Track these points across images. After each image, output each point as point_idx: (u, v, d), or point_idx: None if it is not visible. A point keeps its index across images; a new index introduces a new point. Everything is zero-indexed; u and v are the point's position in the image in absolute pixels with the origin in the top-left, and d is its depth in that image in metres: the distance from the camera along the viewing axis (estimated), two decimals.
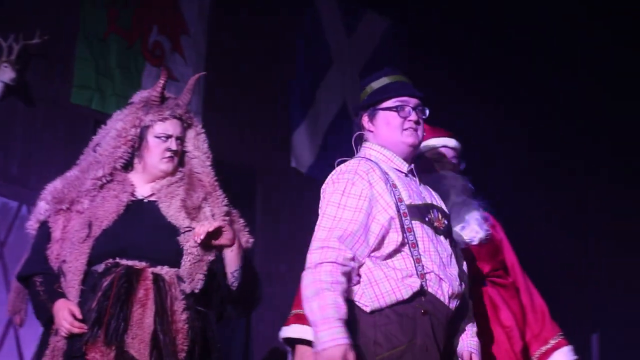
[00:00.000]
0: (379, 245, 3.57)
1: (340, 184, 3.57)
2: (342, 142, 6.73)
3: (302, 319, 3.97)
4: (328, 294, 3.44)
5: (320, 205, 3.62)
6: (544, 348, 4.26)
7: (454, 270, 3.66)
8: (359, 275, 3.56)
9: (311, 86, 6.86)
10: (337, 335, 3.39)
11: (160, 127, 4.01)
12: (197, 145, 4.09)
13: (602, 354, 7.57)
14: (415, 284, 3.51)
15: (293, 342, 4.16)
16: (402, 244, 3.57)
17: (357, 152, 3.77)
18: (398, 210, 3.60)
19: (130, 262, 3.81)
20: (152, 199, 3.97)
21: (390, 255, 3.58)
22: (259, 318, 6.07)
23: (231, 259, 3.94)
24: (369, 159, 3.67)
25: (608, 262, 7.94)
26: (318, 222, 3.55)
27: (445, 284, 3.59)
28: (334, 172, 3.65)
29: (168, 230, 3.91)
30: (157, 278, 3.84)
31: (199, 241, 3.90)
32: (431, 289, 3.55)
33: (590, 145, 7.98)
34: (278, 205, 6.49)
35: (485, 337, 4.02)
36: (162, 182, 4.01)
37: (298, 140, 6.69)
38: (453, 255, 3.70)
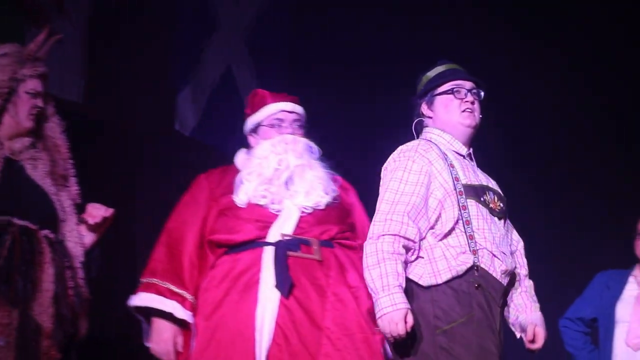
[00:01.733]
0: (437, 221, 3.80)
1: (402, 161, 3.84)
2: (225, 107, 6.77)
3: (151, 288, 4.09)
4: (389, 263, 3.70)
5: (381, 183, 3.88)
6: None
7: (505, 249, 3.85)
8: (420, 250, 3.78)
9: (196, 49, 6.82)
10: (397, 300, 3.65)
11: (32, 83, 3.98)
12: (50, 110, 4.10)
13: None
14: (468, 259, 3.73)
15: (144, 311, 4.15)
16: (457, 221, 3.79)
17: (417, 138, 3.99)
18: (455, 188, 3.82)
19: (23, 223, 3.78)
20: (17, 157, 3.94)
21: (446, 233, 3.79)
22: None
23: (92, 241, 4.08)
24: (429, 141, 3.92)
25: None
26: (380, 197, 3.82)
27: (498, 260, 3.78)
28: (395, 151, 3.90)
29: (42, 193, 3.92)
30: (51, 241, 3.82)
31: (92, 223, 3.91)
32: (484, 264, 3.75)
33: None
34: (163, 167, 6.43)
35: (333, 298, 4.10)
36: (23, 141, 3.97)
37: (182, 103, 6.64)
38: (506, 237, 3.91)
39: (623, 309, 5.29)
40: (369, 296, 4.00)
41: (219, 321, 4.05)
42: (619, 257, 5.67)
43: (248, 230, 4.16)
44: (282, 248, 4.09)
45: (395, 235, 3.74)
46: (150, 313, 4.14)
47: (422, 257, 3.81)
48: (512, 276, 3.92)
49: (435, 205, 3.82)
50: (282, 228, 4.16)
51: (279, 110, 4.37)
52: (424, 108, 4.04)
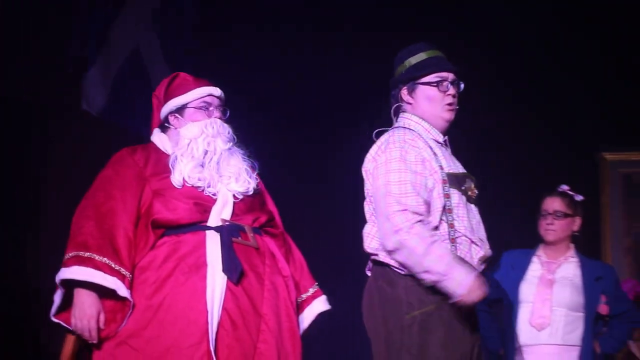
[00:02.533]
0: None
1: (394, 152, 3.85)
2: (133, 87, 6.70)
3: (86, 262, 4.00)
4: (436, 245, 3.74)
5: (374, 174, 3.88)
6: (304, 295, 4.44)
7: (482, 235, 3.95)
8: None
9: (104, 27, 6.71)
10: (465, 270, 3.71)
11: None
12: None
13: None
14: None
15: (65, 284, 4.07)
16: (442, 210, 3.85)
17: (395, 122, 4.03)
18: (440, 177, 3.89)
19: None
20: None
21: (433, 221, 3.84)
22: None
23: None
24: (410, 129, 3.95)
25: None
26: (383, 191, 3.81)
27: (476, 247, 3.89)
28: (381, 143, 3.92)
29: None
30: None
31: None
32: (460, 252, 3.84)
33: None
34: (68, 148, 6.34)
35: (270, 286, 4.19)
36: None
37: (89, 83, 6.55)
38: (481, 222, 3.99)
39: (527, 289, 5.35)
40: (295, 287, 4.21)
41: (163, 301, 4.04)
42: (526, 236, 5.74)
43: (189, 212, 4.16)
44: (227, 233, 4.13)
45: (419, 221, 3.77)
46: (73, 287, 4.05)
47: None
48: (489, 263, 4.05)
49: (429, 194, 3.89)
50: (222, 213, 4.18)
51: (207, 93, 4.37)
52: (404, 94, 4.07)
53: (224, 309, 4.05)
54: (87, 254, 4.01)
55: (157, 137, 4.42)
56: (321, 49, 7.84)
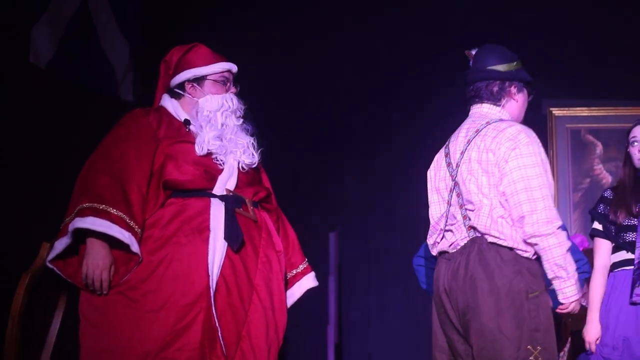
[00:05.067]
0: None
1: (536, 147, 4.10)
2: (80, 41, 6.62)
3: (102, 214, 4.12)
4: (570, 254, 4.07)
5: (521, 165, 4.04)
6: (294, 271, 4.63)
7: None
8: None
9: None
10: (578, 290, 4.10)
11: None
12: None
13: (339, 251, 7.81)
14: None
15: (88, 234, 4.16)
16: None
17: (491, 100, 4.28)
18: None
19: None
20: None
21: None
22: None
23: None
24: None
25: (345, 162, 8.17)
26: (539, 182, 4.02)
27: None
28: (522, 132, 4.10)
29: None
30: None
31: None
32: None
33: None
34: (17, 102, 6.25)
35: (265, 258, 4.36)
36: None
37: (37, 34, 6.45)
38: None
39: None
40: (284, 263, 4.45)
41: (164, 258, 4.17)
42: None
43: (198, 178, 4.30)
44: (231, 203, 4.28)
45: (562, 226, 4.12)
46: (86, 235, 4.15)
47: None
48: None
49: None
50: (227, 183, 4.34)
51: (227, 69, 4.53)
52: (514, 90, 4.30)
53: (222, 274, 4.20)
54: (102, 207, 4.12)
55: (169, 102, 4.53)
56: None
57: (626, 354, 4.64)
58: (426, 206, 7.46)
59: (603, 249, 4.87)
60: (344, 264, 7.99)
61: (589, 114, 8.46)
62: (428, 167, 4.44)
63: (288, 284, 4.61)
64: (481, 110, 4.30)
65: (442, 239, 4.27)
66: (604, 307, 4.78)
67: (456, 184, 4.21)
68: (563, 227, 4.11)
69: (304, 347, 7.83)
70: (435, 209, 4.35)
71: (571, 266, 4.06)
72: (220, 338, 4.15)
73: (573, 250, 5.41)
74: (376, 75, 8.20)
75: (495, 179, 4.09)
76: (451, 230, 4.22)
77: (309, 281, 4.69)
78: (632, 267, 4.73)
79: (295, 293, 4.63)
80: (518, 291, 4.02)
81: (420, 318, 7.05)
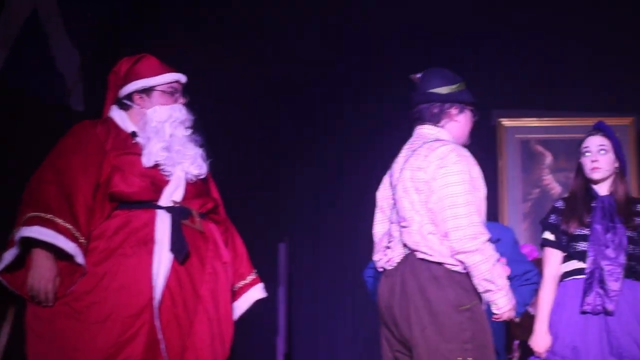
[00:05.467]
0: None
1: (472, 168, 4.19)
2: (32, 47, 6.58)
3: (48, 223, 4.12)
4: (498, 266, 4.16)
5: (447, 183, 4.14)
6: (242, 283, 4.64)
7: None
8: None
9: None
10: (510, 299, 4.19)
11: None
12: None
13: (289, 262, 7.81)
14: None
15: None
16: None
17: (432, 121, 4.38)
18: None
19: None
20: None
21: None
22: None
23: None
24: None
25: (296, 172, 8.16)
26: (465, 200, 4.12)
27: None
28: (451, 151, 4.19)
29: None
30: None
31: None
32: None
33: None
34: None
35: (211, 270, 4.38)
36: None
37: None
38: None
39: None
40: (234, 274, 4.48)
41: (108, 270, 4.18)
42: None
43: (144, 190, 4.31)
44: (177, 215, 4.31)
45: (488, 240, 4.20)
46: (32, 246, 4.16)
47: None
48: None
49: None
50: (173, 195, 4.36)
51: (175, 79, 4.54)
52: (454, 112, 4.39)
53: (167, 286, 4.21)
54: (49, 216, 4.13)
55: (117, 114, 4.53)
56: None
57: None
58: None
59: (553, 259, 4.91)
60: (294, 274, 7.99)
61: (539, 125, 8.52)
62: (377, 176, 4.53)
63: (235, 295, 4.62)
64: (422, 131, 4.41)
65: (384, 255, 4.38)
66: (554, 316, 4.81)
67: (395, 202, 4.34)
68: (491, 240, 4.20)
69: (253, 357, 7.80)
70: (379, 228, 4.49)
71: (500, 278, 4.15)
72: (163, 350, 4.16)
73: (522, 260, 5.47)
74: (328, 85, 8.21)
75: (425, 196, 4.20)
76: (390, 247, 4.34)
77: (257, 292, 4.71)
78: (583, 276, 4.77)
79: (242, 305, 4.65)
80: (447, 305, 4.12)
81: (369, 329, 7.04)
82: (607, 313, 4.68)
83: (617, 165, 4.93)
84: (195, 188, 4.46)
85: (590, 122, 8.16)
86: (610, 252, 4.71)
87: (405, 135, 4.53)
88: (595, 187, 4.92)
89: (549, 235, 4.95)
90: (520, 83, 8.23)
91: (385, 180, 4.49)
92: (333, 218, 8.15)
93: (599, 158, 4.90)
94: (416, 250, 4.21)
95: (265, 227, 7.86)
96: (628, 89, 8.14)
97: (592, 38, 8.06)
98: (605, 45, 8.06)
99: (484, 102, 8.10)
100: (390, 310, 4.25)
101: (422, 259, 4.19)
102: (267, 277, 7.49)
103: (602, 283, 4.68)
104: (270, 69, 7.92)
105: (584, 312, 4.72)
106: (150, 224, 4.28)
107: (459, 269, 4.17)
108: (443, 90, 4.39)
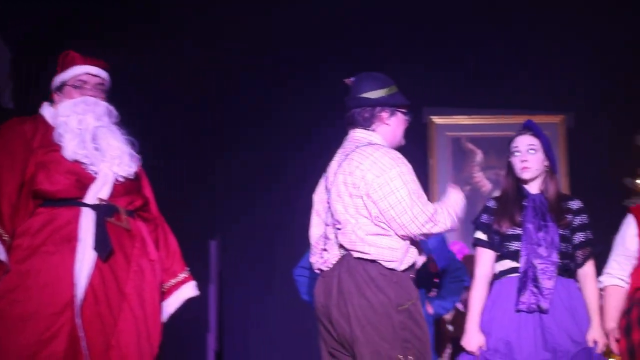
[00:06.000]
0: None
1: (404, 166, 4.27)
2: None
3: None
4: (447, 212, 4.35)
5: (393, 187, 4.20)
6: (173, 281, 4.63)
7: None
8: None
9: None
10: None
11: None
12: None
13: (219, 260, 7.78)
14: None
15: None
16: None
17: (363, 125, 4.42)
18: None
19: None
20: None
21: None
22: None
23: None
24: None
25: (227, 170, 8.13)
26: (412, 197, 4.21)
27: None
28: (382, 154, 4.27)
29: None
30: None
31: None
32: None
33: None
34: None
35: (137, 267, 4.37)
36: None
37: None
38: None
39: None
40: (162, 271, 4.47)
41: (31, 268, 4.18)
42: None
43: (69, 187, 4.29)
44: (102, 213, 4.30)
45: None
46: None
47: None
48: None
49: None
50: (99, 192, 4.34)
51: (84, 72, 4.52)
52: (385, 115, 4.44)
53: (90, 284, 4.20)
54: None
55: (46, 111, 4.53)
56: None
57: (508, 358, 4.69)
58: (306, 214, 7.54)
59: (485, 258, 4.92)
60: (225, 271, 7.96)
61: (469, 122, 8.58)
62: (308, 175, 4.55)
63: (166, 293, 4.60)
64: (354, 135, 4.45)
65: (320, 257, 4.40)
66: (488, 315, 4.82)
67: (330, 204, 4.37)
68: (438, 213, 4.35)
69: (184, 355, 7.76)
70: (315, 230, 4.49)
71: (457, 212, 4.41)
72: (84, 348, 4.15)
73: (451, 258, 5.49)
74: (258, 84, 8.19)
75: (360, 200, 4.26)
76: (326, 250, 4.35)
77: (188, 290, 4.69)
78: (517, 274, 4.79)
79: (172, 303, 4.63)
80: (385, 304, 4.16)
81: (300, 325, 7.04)
82: (541, 311, 4.71)
83: (546, 164, 4.95)
84: (123, 186, 4.43)
85: (520, 119, 8.25)
86: (542, 251, 4.75)
87: (338, 135, 4.54)
88: (526, 186, 4.95)
89: (480, 235, 4.96)
90: (451, 81, 8.27)
91: (321, 183, 4.51)
92: (264, 216, 8.15)
93: (528, 158, 4.91)
94: (352, 250, 4.24)
95: (196, 225, 7.81)
96: (558, 87, 8.23)
97: (523, 37, 8.13)
98: (536, 45, 8.15)
99: (415, 100, 8.21)
100: (326, 309, 4.28)
101: (359, 258, 4.22)
102: (198, 274, 7.50)
103: (535, 281, 4.70)
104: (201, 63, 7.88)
105: (518, 311, 4.74)
106: (74, 222, 4.26)
107: (395, 265, 4.22)
108: (373, 94, 4.44)
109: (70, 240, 4.23)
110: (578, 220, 4.88)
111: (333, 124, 7.82)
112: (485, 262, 4.91)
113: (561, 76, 8.18)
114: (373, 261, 4.21)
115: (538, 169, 4.92)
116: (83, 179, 4.34)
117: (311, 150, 8.00)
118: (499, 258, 4.88)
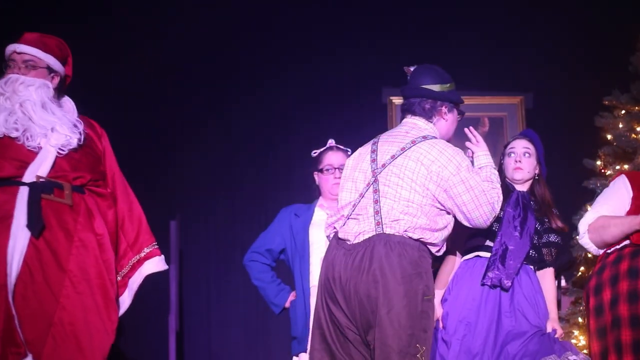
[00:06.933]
0: None
1: (469, 162, 4.43)
2: None
3: None
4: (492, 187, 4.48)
5: (462, 179, 4.34)
6: (137, 257, 4.64)
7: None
8: None
9: None
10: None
11: None
12: None
13: (180, 240, 7.76)
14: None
15: None
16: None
17: (423, 116, 4.55)
18: None
19: None
20: None
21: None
22: None
23: None
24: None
25: (187, 148, 8.12)
26: (480, 189, 4.36)
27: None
28: (449, 148, 4.39)
29: None
30: None
31: None
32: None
33: None
34: None
35: (79, 243, 4.36)
36: None
37: None
38: None
39: (316, 232, 5.42)
40: (112, 245, 4.45)
41: None
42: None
43: (5, 167, 4.30)
44: (37, 190, 4.29)
45: None
46: None
47: None
48: None
49: None
50: (38, 170, 4.33)
51: (12, 51, 4.54)
52: (445, 110, 4.59)
53: (25, 262, 4.20)
54: None
55: None
56: None
57: (466, 340, 4.74)
58: (268, 198, 7.55)
59: (461, 234, 4.96)
60: (185, 252, 7.94)
61: None
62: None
63: (132, 269, 4.62)
64: (416, 123, 4.57)
65: (343, 225, 4.42)
66: (455, 293, 4.88)
67: (376, 180, 4.41)
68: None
69: (145, 334, 7.76)
70: (345, 196, 4.51)
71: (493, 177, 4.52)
72: (17, 326, 4.15)
73: None
74: (216, 59, 8.18)
75: (426, 190, 4.36)
76: (357, 220, 4.39)
77: (150, 266, 4.68)
78: (487, 254, 4.91)
79: (136, 279, 4.64)
80: (416, 292, 4.22)
81: (260, 307, 7.06)
82: (502, 289, 4.78)
83: (537, 171, 5.13)
84: (68, 161, 4.44)
85: (481, 100, 8.40)
86: (517, 236, 4.85)
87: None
88: (515, 185, 5.07)
89: None
90: (411, 61, 8.28)
91: (365, 154, 4.56)
92: (224, 196, 8.15)
93: (523, 160, 5.09)
94: (397, 234, 4.30)
95: (155, 204, 7.78)
96: (517, 68, 8.28)
97: (484, 19, 8.17)
98: (497, 27, 8.19)
99: (374, 81, 8.27)
100: (348, 283, 4.29)
101: (401, 242, 4.29)
102: None
103: (503, 260, 4.80)
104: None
105: (483, 285, 4.81)
106: (11, 201, 4.27)
107: (435, 251, 4.41)
108: (436, 87, 4.59)
109: (5, 219, 4.24)
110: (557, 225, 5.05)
111: (295, 107, 7.93)
112: (461, 237, 4.95)
113: (520, 57, 8.23)
114: (418, 246, 4.32)
115: (529, 172, 5.11)
116: (22, 157, 4.35)
117: (271, 132, 8.02)
118: (472, 234, 4.93)
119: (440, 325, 4.84)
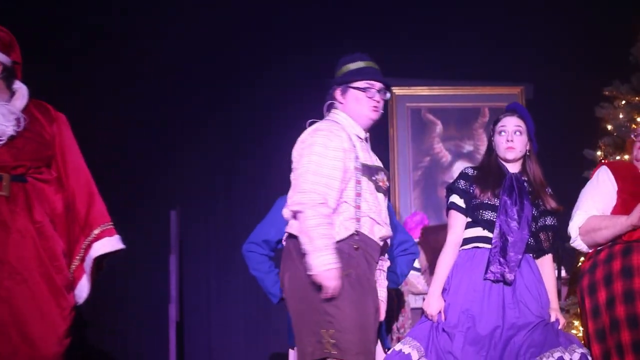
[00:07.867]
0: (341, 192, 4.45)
1: (319, 138, 4.44)
2: None
3: None
4: (326, 227, 4.32)
5: (299, 154, 4.45)
6: (86, 241, 4.61)
7: (385, 219, 4.61)
8: None
9: None
10: (330, 261, 4.30)
11: None
12: None
13: (180, 229, 7.75)
14: (351, 226, 4.44)
15: None
16: (352, 193, 4.47)
17: (326, 116, 4.64)
18: (355, 165, 4.49)
19: None
20: None
21: (344, 202, 4.46)
22: None
23: None
24: (337, 122, 4.59)
25: (188, 139, 8.11)
26: (304, 169, 4.37)
27: (378, 226, 4.53)
28: (311, 129, 4.50)
29: None
30: None
31: None
32: (363, 229, 4.48)
33: None
34: None
35: (17, 234, 4.36)
36: None
37: None
38: (385, 208, 4.64)
39: None
40: (64, 230, 4.46)
41: None
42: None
43: None
44: None
45: (324, 203, 4.35)
46: None
47: None
48: (387, 242, 4.72)
49: (344, 177, 4.45)
50: None
51: None
52: (338, 94, 4.67)
53: None
54: None
55: None
56: None
57: (471, 332, 4.72)
58: (266, 187, 7.51)
59: (459, 224, 4.92)
60: (185, 242, 7.94)
61: (429, 93, 8.61)
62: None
63: (85, 252, 4.59)
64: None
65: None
66: (456, 283, 4.84)
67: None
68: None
69: (146, 325, 7.76)
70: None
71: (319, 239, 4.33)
72: None
73: (400, 230, 5.50)
74: (216, 54, 8.17)
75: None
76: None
77: (99, 247, 4.64)
78: (486, 245, 4.84)
79: (88, 263, 4.62)
80: (300, 277, 4.38)
81: (260, 297, 7.04)
82: (505, 283, 4.75)
83: (528, 147, 5.01)
84: (8, 150, 4.42)
85: (480, 91, 8.40)
86: (515, 225, 4.80)
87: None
88: (507, 165, 4.98)
89: (457, 200, 4.94)
90: (411, 51, 8.27)
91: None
92: (224, 196, 8.13)
93: (514, 138, 4.95)
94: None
95: (156, 194, 7.79)
96: (517, 59, 8.26)
97: (484, 10, 8.15)
98: (497, 17, 8.18)
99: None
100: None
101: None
102: (158, 244, 7.53)
103: (504, 253, 4.75)
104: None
105: (485, 279, 4.77)
106: None
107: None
108: (333, 77, 4.70)
109: None
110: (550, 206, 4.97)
111: (294, 98, 7.91)
112: (459, 227, 4.92)
113: (520, 47, 8.22)
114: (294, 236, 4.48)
115: (522, 150, 4.97)
116: None
117: (271, 131, 8.00)
118: (470, 225, 4.90)
119: (442, 316, 4.81)
